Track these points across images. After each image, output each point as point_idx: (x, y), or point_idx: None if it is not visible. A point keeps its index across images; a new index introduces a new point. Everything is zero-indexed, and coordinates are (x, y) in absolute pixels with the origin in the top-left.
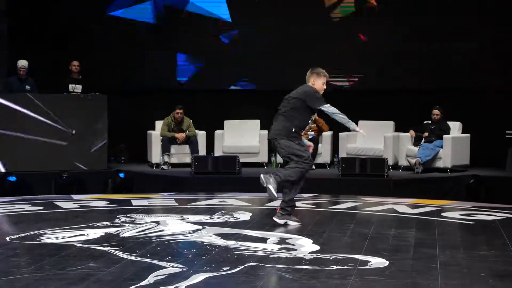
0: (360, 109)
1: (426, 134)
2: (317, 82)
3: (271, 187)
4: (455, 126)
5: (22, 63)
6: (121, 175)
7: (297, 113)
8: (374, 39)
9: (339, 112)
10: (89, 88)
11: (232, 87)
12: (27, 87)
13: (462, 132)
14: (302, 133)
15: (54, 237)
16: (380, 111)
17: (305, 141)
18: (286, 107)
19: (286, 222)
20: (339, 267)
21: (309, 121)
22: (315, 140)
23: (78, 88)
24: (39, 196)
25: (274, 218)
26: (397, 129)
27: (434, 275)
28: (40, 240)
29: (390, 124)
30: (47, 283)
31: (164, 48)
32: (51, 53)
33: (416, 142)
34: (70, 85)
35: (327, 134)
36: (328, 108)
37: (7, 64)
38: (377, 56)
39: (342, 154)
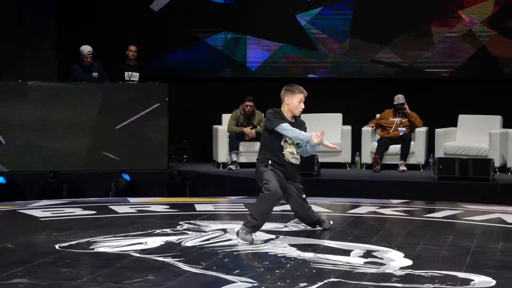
0: (461, 101)
1: None
2: (292, 100)
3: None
4: None
5: (84, 48)
6: (126, 177)
7: (267, 144)
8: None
9: (296, 130)
10: (147, 76)
11: (310, 76)
12: (94, 74)
13: None
14: (391, 131)
15: (108, 245)
16: (485, 103)
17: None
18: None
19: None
20: (436, 285)
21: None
22: (407, 138)
23: (135, 76)
24: (92, 199)
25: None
26: (505, 125)
27: None
28: (93, 249)
29: (497, 118)
30: None
31: (233, 31)
32: (105, 38)
33: None
34: (126, 73)
35: (420, 131)
36: (285, 130)
37: (55, 49)
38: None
39: (439, 153)
